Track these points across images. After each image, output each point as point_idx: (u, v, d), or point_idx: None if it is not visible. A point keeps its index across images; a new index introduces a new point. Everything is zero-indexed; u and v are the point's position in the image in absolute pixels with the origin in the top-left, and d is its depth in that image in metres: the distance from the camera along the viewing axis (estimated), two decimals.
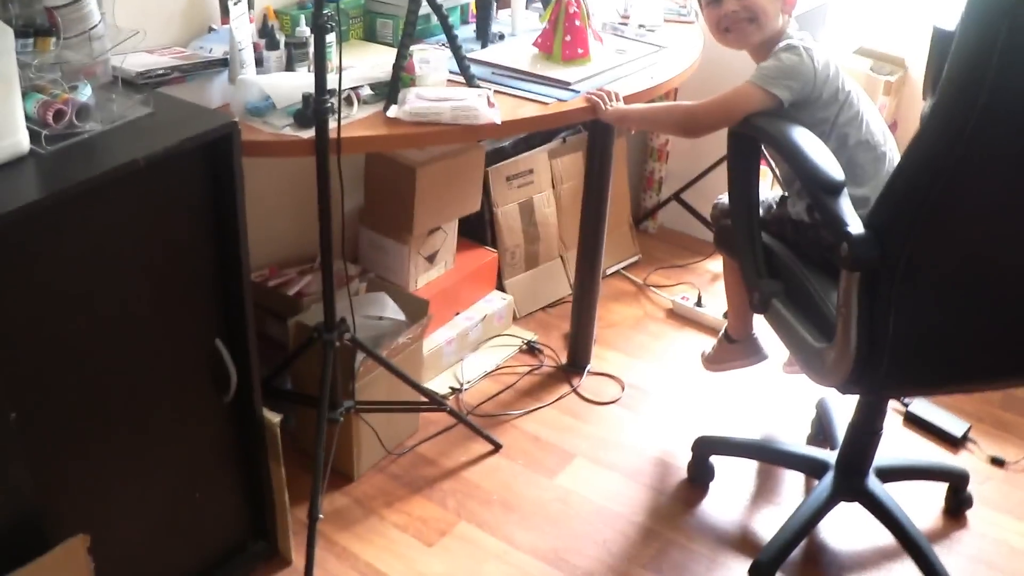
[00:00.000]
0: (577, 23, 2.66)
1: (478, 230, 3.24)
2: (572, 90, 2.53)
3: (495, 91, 2.44)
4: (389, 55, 2.40)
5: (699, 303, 3.49)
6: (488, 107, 2.27)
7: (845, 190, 1.94)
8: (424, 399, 2.68)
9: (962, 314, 1.95)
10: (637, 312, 3.53)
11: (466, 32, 2.87)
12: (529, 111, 2.41)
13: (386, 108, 2.28)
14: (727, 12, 2.28)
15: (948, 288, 1.92)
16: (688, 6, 3.41)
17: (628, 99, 2.54)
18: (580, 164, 3.40)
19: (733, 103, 2.23)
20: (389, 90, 2.31)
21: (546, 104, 2.44)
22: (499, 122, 2.29)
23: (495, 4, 2.91)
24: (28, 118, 1.69)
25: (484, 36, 2.84)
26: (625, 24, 3.13)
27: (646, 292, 3.64)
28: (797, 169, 2.10)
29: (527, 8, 3.10)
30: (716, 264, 3.81)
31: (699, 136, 2.43)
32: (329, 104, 2.07)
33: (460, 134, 2.31)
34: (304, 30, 2.37)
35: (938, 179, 1.74)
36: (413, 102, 2.24)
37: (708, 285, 3.68)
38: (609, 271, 3.65)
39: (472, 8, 2.96)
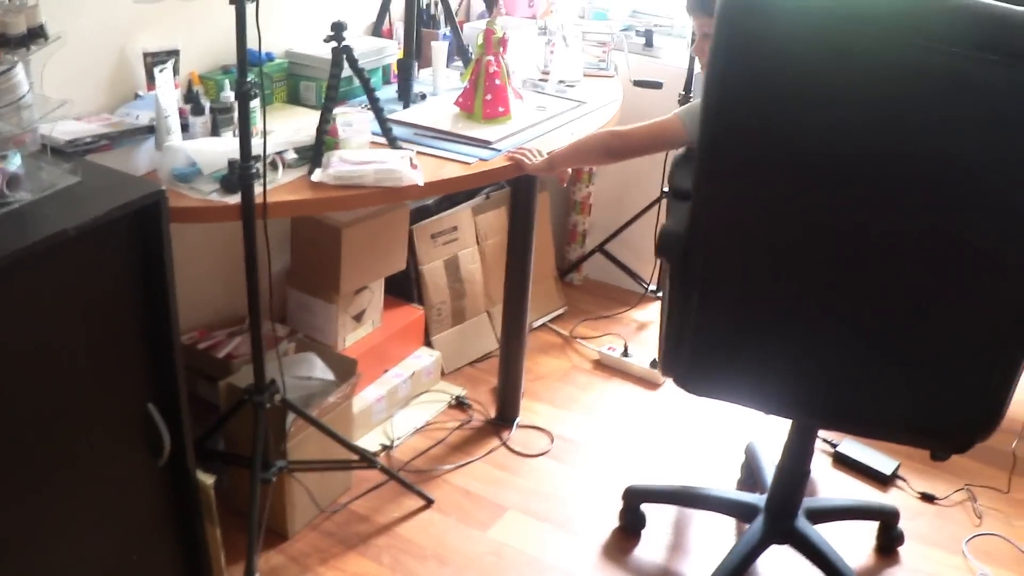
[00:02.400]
0: (497, 82, 2.74)
1: (404, 287, 3.28)
2: (494, 149, 2.59)
3: (418, 152, 2.49)
4: (313, 118, 2.45)
5: (626, 353, 3.56)
6: (411, 169, 2.32)
7: None
8: (355, 457, 2.69)
9: (766, 331, 2.03)
10: (564, 364, 3.58)
11: (388, 92, 2.93)
12: (452, 171, 2.46)
13: (310, 172, 2.31)
14: (700, 53, 2.46)
15: (751, 298, 2.01)
16: (607, 60, 3.50)
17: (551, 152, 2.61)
18: (504, 219, 3.46)
19: (657, 132, 2.36)
20: (313, 154, 2.35)
21: (469, 164, 2.50)
22: (422, 183, 2.33)
23: (416, 64, 2.96)
24: None
25: (406, 96, 2.89)
26: (545, 80, 3.21)
27: (572, 344, 3.70)
28: None
29: (448, 67, 3.17)
30: (642, 314, 3.90)
31: (625, 159, 2.52)
32: (254, 169, 2.11)
33: (384, 196, 2.35)
34: (228, 95, 2.41)
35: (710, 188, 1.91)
36: (337, 166, 2.28)
37: (634, 335, 3.75)
38: (535, 324, 3.71)
39: (394, 68, 3.02)
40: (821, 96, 1.72)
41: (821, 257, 1.89)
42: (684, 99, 3.59)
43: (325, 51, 2.48)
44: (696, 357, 2.10)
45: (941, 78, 1.65)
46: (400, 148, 2.48)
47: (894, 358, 1.99)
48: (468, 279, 3.46)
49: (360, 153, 2.37)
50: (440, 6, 3.27)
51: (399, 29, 3.15)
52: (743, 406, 2.29)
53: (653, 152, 2.44)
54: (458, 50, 3.21)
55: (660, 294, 3.95)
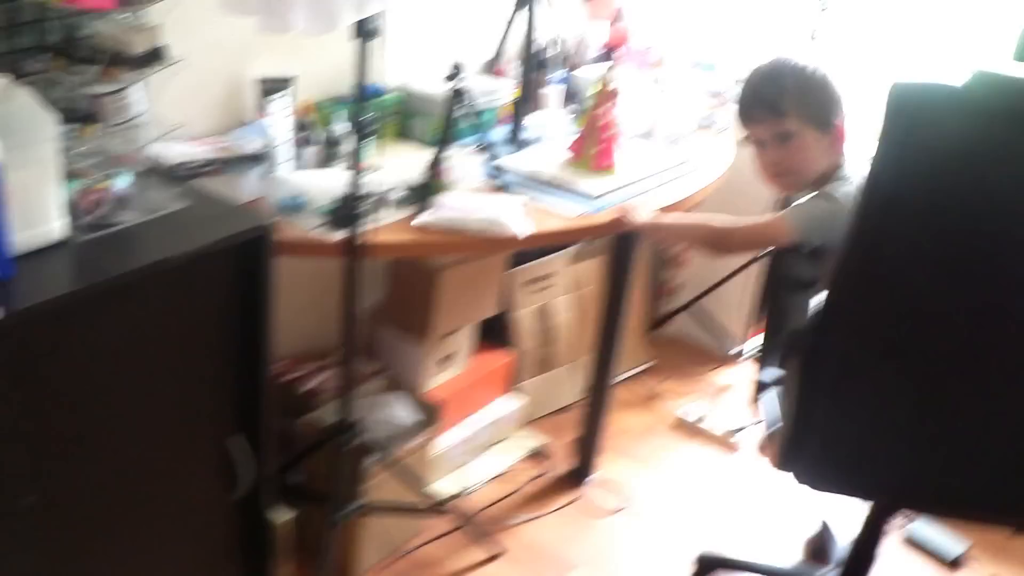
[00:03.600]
0: (608, 133, 2.70)
1: (495, 331, 3.24)
2: (597, 203, 2.54)
3: (526, 201, 2.45)
4: (423, 156, 2.43)
5: (707, 416, 3.48)
6: (516, 218, 2.29)
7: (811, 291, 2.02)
8: (430, 502, 2.66)
9: (897, 423, 1.97)
10: (646, 420, 3.52)
11: (500, 134, 2.89)
12: (554, 223, 2.42)
13: (416, 214, 2.29)
14: (765, 165, 2.35)
15: (879, 393, 1.95)
16: (718, 115, 3.44)
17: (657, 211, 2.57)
18: (600, 269, 3.41)
19: (761, 234, 2.28)
20: (420, 196, 2.32)
21: (573, 217, 2.46)
22: (522, 236, 2.30)
23: (529, 105, 2.93)
24: (67, 204, 1.70)
25: (517, 139, 2.86)
26: (654, 134, 3.16)
27: (655, 401, 3.64)
28: None
29: (563, 107, 3.13)
30: (726, 375, 3.82)
31: (725, 256, 2.46)
32: (361, 208, 2.09)
33: (485, 245, 2.33)
34: (340, 128, 2.39)
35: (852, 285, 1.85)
36: (442, 210, 2.26)
37: (717, 396, 3.68)
38: (620, 377, 3.65)
39: (507, 109, 2.98)
40: (990, 192, 1.68)
41: (966, 351, 1.85)
42: None
43: (439, 88, 2.45)
44: (824, 454, 2.06)
45: None
46: (508, 195, 2.45)
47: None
48: (560, 327, 3.41)
49: (467, 198, 2.35)
50: (555, 48, 3.23)
51: (513, 69, 3.12)
52: (864, 499, 2.26)
53: (751, 252, 2.39)
54: (570, 94, 3.17)
55: (741, 357, 3.88)
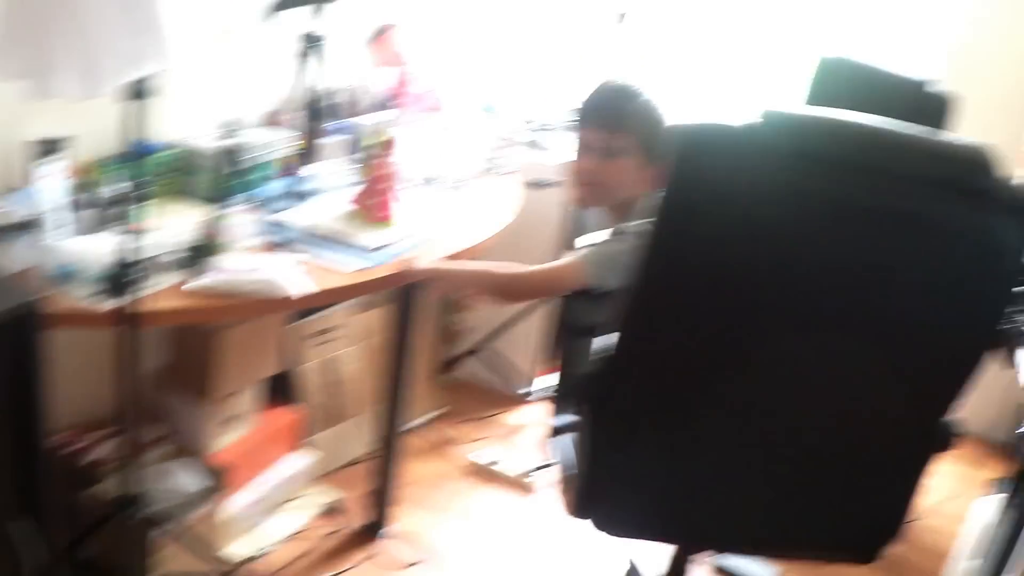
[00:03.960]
0: (390, 184, 2.69)
1: (280, 387, 3.18)
2: (382, 255, 2.53)
3: (303, 258, 2.41)
4: (198, 216, 2.36)
5: (500, 459, 3.50)
6: (291, 278, 2.25)
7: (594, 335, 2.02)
8: (224, 569, 2.59)
9: (686, 468, 1.99)
10: (439, 468, 3.51)
11: (279, 186, 2.82)
12: (333, 280, 2.38)
13: (188, 278, 2.22)
14: (582, 169, 2.35)
15: (669, 438, 1.97)
16: (503, 158, 3.47)
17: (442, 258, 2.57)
18: (385, 317, 3.39)
19: (555, 279, 2.29)
20: (195, 258, 2.25)
21: (354, 272, 2.43)
22: (296, 296, 2.25)
23: (310, 156, 2.90)
24: None
25: (298, 191, 2.82)
26: (438, 179, 3.16)
27: (447, 447, 3.63)
28: None
29: (341, 161, 3.09)
30: (517, 416, 3.85)
31: (515, 303, 2.46)
32: (134, 274, 2.02)
33: (260, 308, 2.27)
34: (114, 189, 2.31)
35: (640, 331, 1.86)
36: (216, 273, 2.20)
37: (509, 438, 3.71)
38: (411, 425, 3.63)
39: (287, 162, 2.93)
40: (774, 234, 1.71)
41: (760, 390, 1.88)
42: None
43: (216, 144, 2.40)
44: (619, 501, 2.05)
45: (891, 216, 1.68)
46: (285, 252, 2.41)
47: (813, 479, 2.00)
48: (347, 379, 3.38)
49: (242, 258, 2.29)
50: (337, 96, 3.20)
51: (294, 119, 3.07)
52: (664, 543, 2.27)
53: (543, 297, 2.40)
54: (353, 143, 3.13)
55: (531, 397, 3.92)
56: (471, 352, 3.96)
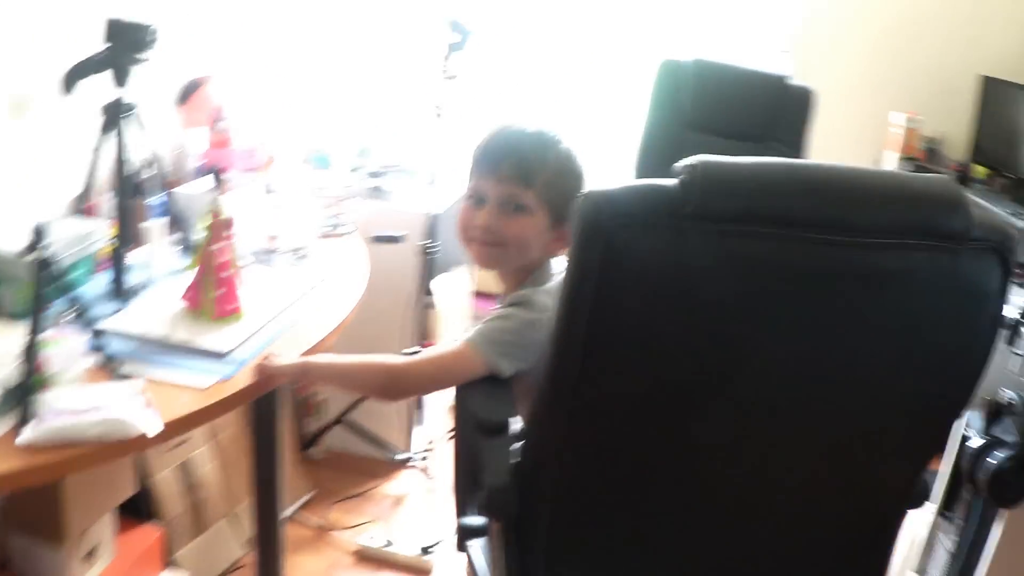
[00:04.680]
0: (227, 274, 2.32)
1: (137, 505, 2.79)
2: (238, 358, 2.16)
3: (150, 375, 2.03)
4: (14, 337, 1.93)
5: (389, 542, 3.19)
6: (142, 410, 1.87)
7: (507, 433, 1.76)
8: None
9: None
10: (323, 561, 3.18)
11: (99, 285, 2.44)
12: (186, 401, 1.98)
13: (18, 427, 1.81)
14: (479, 224, 2.00)
15: (603, 550, 1.73)
16: (342, 216, 3.15)
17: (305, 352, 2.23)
18: (238, 409, 3.04)
19: (447, 369, 1.93)
20: (17, 400, 1.85)
21: (206, 388, 2.03)
22: (153, 433, 1.84)
23: (130, 243, 2.51)
24: None
25: (121, 290, 2.43)
26: (275, 250, 2.82)
27: (328, 534, 3.30)
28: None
29: (169, 237, 2.69)
30: (395, 486, 3.56)
31: (401, 400, 2.14)
32: None
33: (110, 453, 1.85)
34: None
35: (559, 425, 1.59)
36: (50, 419, 1.80)
37: (392, 513, 3.40)
38: (285, 515, 3.29)
39: (105, 252, 2.51)
40: (712, 310, 1.46)
41: (693, 480, 1.65)
42: (426, 250, 3.30)
43: (22, 249, 1.99)
44: None
45: (854, 276, 1.45)
46: (123, 376, 2.03)
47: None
48: (204, 482, 3.01)
49: (78, 393, 1.90)
50: (151, 168, 2.78)
51: (107, 202, 2.69)
52: None
53: (436, 390, 2.08)
54: (175, 220, 2.74)
55: (410, 463, 3.61)
56: (335, 423, 3.63)
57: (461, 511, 2.15)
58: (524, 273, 2.03)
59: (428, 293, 3.51)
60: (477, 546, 2.04)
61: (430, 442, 3.68)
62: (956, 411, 1.65)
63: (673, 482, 1.64)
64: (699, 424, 1.56)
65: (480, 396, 1.89)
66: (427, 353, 1.98)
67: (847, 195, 1.46)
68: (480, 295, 4.51)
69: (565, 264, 1.97)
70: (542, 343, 1.87)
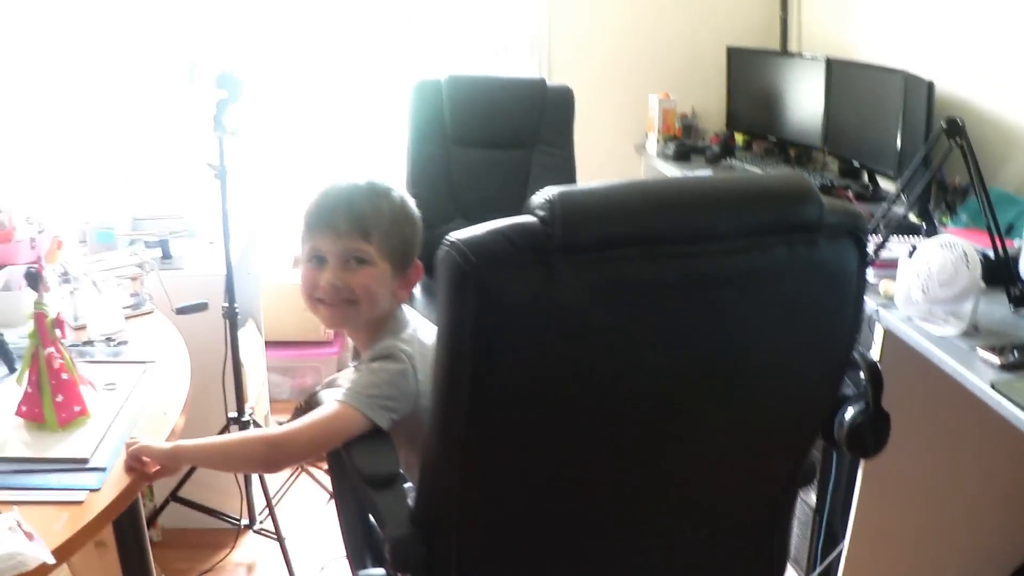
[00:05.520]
0: (65, 376, 2.21)
1: None
2: (100, 466, 2.06)
3: (14, 507, 1.88)
4: None
5: None
6: (29, 542, 1.77)
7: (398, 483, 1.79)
8: None
9: None
10: None
11: None
12: (70, 520, 1.88)
13: None
14: (325, 284, 1.98)
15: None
16: (142, 294, 3.05)
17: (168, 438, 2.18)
18: None
19: (328, 430, 1.91)
20: None
21: (81, 503, 1.94)
22: (52, 559, 1.75)
23: None
24: None
25: None
26: (90, 343, 2.71)
27: None
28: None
29: None
30: (245, 553, 3.48)
31: (281, 470, 2.10)
32: None
33: None
34: None
35: (453, 468, 1.59)
36: None
37: None
38: None
39: None
40: (590, 341, 1.48)
41: (609, 498, 1.69)
42: (231, 312, 3.24)
43: None
44: None
45: (725, 281, 1.51)
46: None
47: (683, 569, 1.87)
48: None
49: None
50: None
51: None
52: None
53: (322, 453, 2.05)
54: None
55: (254, 528, 3.53)
56: (171, 499, 3.50)
57: (359, 565, 2.14)
58: (376, 325, 2.04)
59: (237, 354, 3.43)
60: None
61: (267, 503, 3.60)
62: (835, 386, 1.75)
63: (575, 503, 1.68)
64: (595, 445, 1.59)
65: (363, 452, 1.89)
66: (304, 420, 1.95)
67: (703, 205, 1.53)
68: (273, 344, 4.46)
69: (414, 313, 2.02)
70: (414, 392, 1.91)
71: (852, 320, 1.65)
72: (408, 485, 1.97)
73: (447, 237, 1.43)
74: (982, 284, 2.31)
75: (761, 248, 1.51)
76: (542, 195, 1.43)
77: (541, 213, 1.42)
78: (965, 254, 2.30)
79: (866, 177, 4.00)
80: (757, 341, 1.57)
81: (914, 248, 2.46)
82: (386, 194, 2.02)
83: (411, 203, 2.06)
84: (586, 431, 1.56)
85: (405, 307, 2.09)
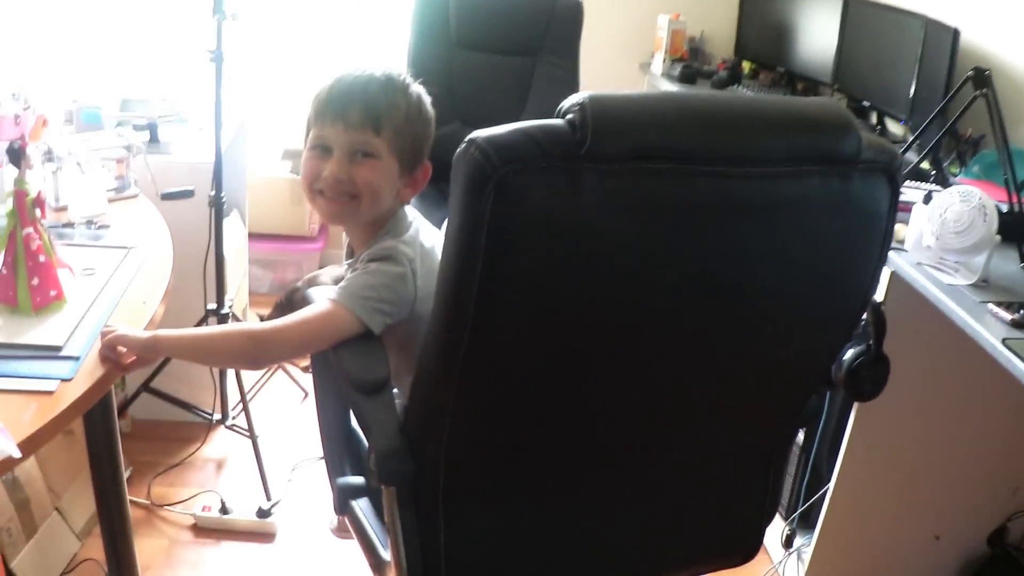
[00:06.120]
0: (42, 258, 2.10)
1: None
2: (73, 354, 1.94)
3: None
4: None
5: (224, 509, 3.07)
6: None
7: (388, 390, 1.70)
8: None
9: (529, 530, 1.74)
10: (161, 541, 3.02)
11: None
12: (34, 410, 1.75)
13: None
14: (327, 175, 1.86)
15: (502, 501, 1.71)
16: (127, 177, 2.95)
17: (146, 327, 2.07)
18: None
19: (318, 330, 1.80)
20: None
21: (51, 392, 1.81)
22: (18, 452, 1.62)
23: None
24: None
25: None
26: (71, 225, 2.61)
27: (159, 513, 3.14)
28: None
29: None
30: (215, 448, 3.43)
31: (265, 367, 2.01)
32: None
33: None
34: None
35: (450, 382, 1.51)
36: None
37: (219, 479, 3.27)
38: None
39: None
40: (611, 255, 1.40)
41: (609, 423, 1.62)
42: (215, 201, 3.15)
43: None
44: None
45: (754, 208, 1.43)
46: None
47: (675, 500, 1.82)
48: (26, 480, 2.80)
49: None
50: None
51: None
52: None
53: (305, 353, 1.96)
54: None
55: (226, 423, 3.47)
56: (143, 390, 3.43)
57: (337, 472, 2.08)
58: (377, 224, 1.93)
59: (220, 244, 3.35)
60: (359, 506, 1.98)
61: (241, 399, 3.54)
62: (849, 330, 1.68)
63: (576, 428, 1.61)
64: (600, 364, 1.52)
65: (354, 356, 1.78)
66: (293, 317, 1.85)
67: (741, 126, 1.43)
68: (256, 236, 4.38)
69: (416, 214, 1.93)
70: (411, 298, 1.83)
71: (876, 263, 1.58)
72: (396, 392, 1.88)
73: (469, 136, 1.33)
74: (997, 238, 2.25)
75: (797, 176, 1.43)
76: (573, 99, 1.34)
77: (571, 116, 1.34)
78: (983, 206, 2.24)
79: (874, 118, 3.91)
80: (782, 273, 1.50)
81: (929, 194, 2.39)
82: (404, 89, 1.90)
83: (427, 101, 1.94)
84: (592, 349, 1.48)
85: (408, 207, 2.00)
